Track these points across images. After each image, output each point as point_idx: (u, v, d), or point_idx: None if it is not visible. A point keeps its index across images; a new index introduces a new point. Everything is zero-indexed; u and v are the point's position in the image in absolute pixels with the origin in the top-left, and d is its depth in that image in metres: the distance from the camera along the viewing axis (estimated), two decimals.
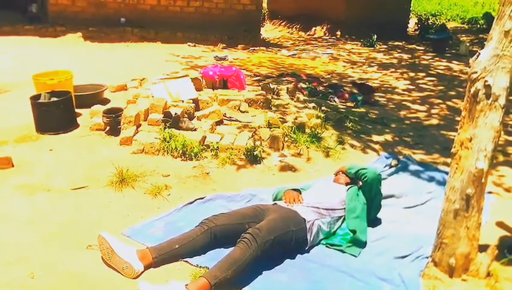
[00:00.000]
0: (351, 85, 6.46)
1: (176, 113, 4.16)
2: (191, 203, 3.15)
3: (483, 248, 2.54)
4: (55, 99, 4.20)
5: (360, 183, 3.08)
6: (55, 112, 4.12)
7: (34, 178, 3.35)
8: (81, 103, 4.60)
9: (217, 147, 3.87)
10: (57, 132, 4.09)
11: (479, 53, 2.35)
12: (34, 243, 2.62)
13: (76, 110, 4.46)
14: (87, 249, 2.58)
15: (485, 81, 2.29)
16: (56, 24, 8.70)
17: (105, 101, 4.91)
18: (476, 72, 2.33)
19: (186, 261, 2.52)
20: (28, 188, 3.21)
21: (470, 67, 2.38)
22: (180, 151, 3.77)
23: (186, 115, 4.31)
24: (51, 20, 8.81)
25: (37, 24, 8.74)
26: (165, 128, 4.00)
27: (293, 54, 9.17)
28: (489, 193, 3.58)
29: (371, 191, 2.99)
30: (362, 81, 6.83)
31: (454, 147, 2.45)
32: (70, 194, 3.18)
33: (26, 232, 2.71)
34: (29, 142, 3.96)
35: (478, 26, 13.93)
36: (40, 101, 4.19)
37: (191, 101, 4.60)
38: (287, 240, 2.57)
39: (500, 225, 3.19)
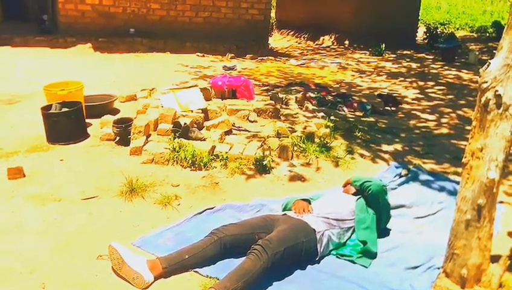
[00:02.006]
0: (377, 98, 6.41)
1: (185, 123, 4.18)
2: (200, 213, 3.15)
3: (495, 259, 2.51)
4: (65, 109, 4.24)
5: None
6: (66, 123, 4.16)
7: (45, 188, 3.38)
8: (91, 113, 4.64)
9: (226, 156, 3.88)
10: (67, 142, 4.13)
11: (489, 62, 2.34)
12: (45, 253, 2.64)
13: (87, 121, 4.50)
14: (97, 259, 2.59)
15: (496, 90, 2.28)
16: (66, 35, 8.81)
17: (115, 111, 4.95)
18: (486, 82, 2.32)
19: (196, 272, 2.52)
20: (39, 198, 3.23)
21: (479, 76, 2.37)
22: (190, 161, 3.79)
23: (195, 125, 4.33)
24: (62, 31, 8.91)
25: (47, 35, 8.85)
26: (174, 138, 4.02)
27: (302, 64, 9.19)
28: (501, 202, 3.54)
29: (377, 203, 2.97)
30: (388, 93, 6.79)
31: (465, 157, 2.43)
32: (80, 204, 3.20)
33: (37, 242, 2.73)
34: (40, 152, 4.00)
35: (487, 34, 13.87)
36: (51, 111, 4.23)
37: (200, 111, 4.62)
38: (297, 251, 2.57)
39: None
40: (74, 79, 5.00)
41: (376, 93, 6.70)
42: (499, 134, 2.31)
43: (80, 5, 8.98)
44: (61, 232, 2.85)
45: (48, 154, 3.97)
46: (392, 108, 6.06)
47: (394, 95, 6.73)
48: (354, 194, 3.12)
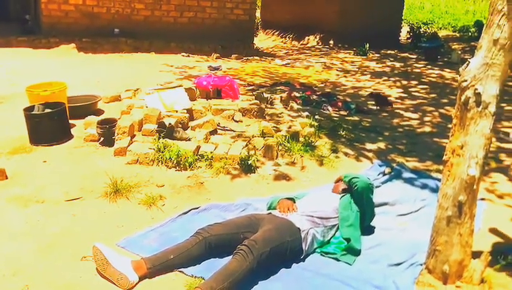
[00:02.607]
0: (369, 97, 6.43)
1: (170, 124, 4.17)
2: (185, 213, 3.15)
3: (476, 255, 2.56)
4: (48, 110, 4.20)
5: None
6: (49, 124, 4.12)
7: (27, 190, 3.34)
8: (74, 114, 4.61)
9: (211, 156, 3.89)
10: (50, 143, 4.09)
11: (469, 61, 2.38)
12: (28, 255, 2.61)
13: (70, 122, 4.46)
14: (81, 261, 2.57)
15: (475, 89, 2.32)
16: (49, 35, 8.72)
17: (99, 112, 4.91)
18: (466, 81, 2.36)
19: (181, 272, 2.51)
20: (21, 199, 3.20)
21: (459, 75, 2.41)
22: (175, 161, 3.78)
23: (180, 125, 4.32)
24: (45, 32, 8.82)
25: (30, 35, 8.75)
26: (159, 138, 4.00)
27: (287, 63, 9.22)
28: (482, 199, 3.60)
29: (362, 200, 3.00)
30: (379, 93, 6.82)
31: (446, 155, 2.47)
32: (64, 206, 3.17)
33: (20, 244, 2.70)
34: (23, 153, 3.96)
35: (469, 34, 14.07)
36: (33, 112, 4.19)
37: (185, 111, 4.62)
38: (282, 251, 2.58)
39: (493, 231, 3.21)
40: (57, 80, 4.95)
41: (367, 93, 6.74)
42: (479, 132, 2.36)
43: (63, 5, 8.90)
44: (45, 233, 2.83)
45: (30, 156, 3.93)
46: (385, 108, 6.10)
47: (380, 94, 6.78)
48: (344, 190, 3.14)
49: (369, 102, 6.31)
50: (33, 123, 4.13)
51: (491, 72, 2.31)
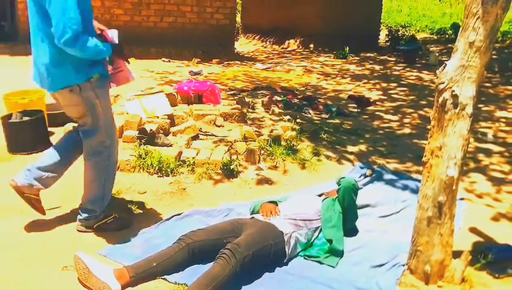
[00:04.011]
0: (348, 99, 6.45)
1: (151, 130, 4.15)
2: (168, 219, 3.13)
3: (457, 254, 2.59)
4: (27, 118, 4.14)
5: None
6: (28, 132, 4.06)
7: (6, 200, 3.27)
8: (54, 122, 4.54)
9: (193, 162, 3.87)
10: (29, 152, 4.03)
11: (446, 64, 2.42)
12: (8, 265, 2.57)
13: (50, 129, 4.40)
14: (62, 271, 2.54)
15: (452, 91, 2.36)
16: (27, 42, 8.55)
17: None
18: (443, 83, 2.40)
19: (164, 279, 2.50)
20: (1, 210, 3.14)
21: (437, 77, 2.45)
22: (156, 168, 3.75)
23: (161, 131, 4.30)
24: (22, 38, 8.68)
25: (7, 42, 8.61)
26: (140, 144, 3.98)
27: (268, 67, 9.25)
28: (462, 199, 3.66)
29: (343, 199, 3.02)
30: (359, 95, 6.87)
31: (425, 156, 2.51)
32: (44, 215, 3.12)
33: (0, 256, 2.65)
34: (1, 163, 3.89)
35: (447, 36, 14.30)
36: (11, 121, 4.12)
37: (166, 116, 4.60)
38: (265, 254, 2.58)
39: (473, 230, 3.26)
40: (36, 87, 4.87)
41: (347, 95, 6.79)
42: (457, 133, 2.40)
43: None
44: (25, 244, 2.78)
45: (9, 165, 3.86)
46: (365, 108, 6.15)
47: (360, 96, 6.83)
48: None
49: (350, 105, 6.37)
50: (11, 132, 4.07)
51: (467, 74, 2.35)
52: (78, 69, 2.68)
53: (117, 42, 2.94)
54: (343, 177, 3.14)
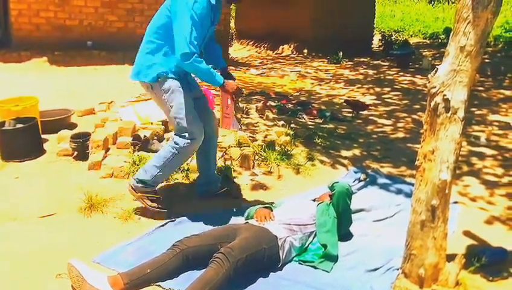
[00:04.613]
0: (345, 104, 6.48)
1: (145, 136, 4.14)
2: (162, 226, 3.13)
3: (451, 258, 2.60)
4: (20, 125, 4.13)
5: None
6: (21, 139, 4.05)
7: (0, 207, 3.27)
8: (47, 129, 4.53)
9: (188, 168, 3.87)
10: (22, 159, 4.02)
11: (437, 68, 2.44)
12: (2, 273, 2.55)
13: (43, 136, 4.39)
14: (56, 278, 2.52)
15: (444, 95, 2.37)
16: (20, 49, 8.57)
17: (73, 126, 4.84)
18: (435, 87, 2.41)
19: (158, 285, 2.49)
20: None
21: (428, 82, 2.46)
22: None
23: (155, 137, 4.29)
24: (15, 45, 8.67)
25: (0, 49, 8.59)
26: (134, 151, 3.97)
27: (262, 73, 9.27)
28: (456, 203, 3.67)
29: (338, 204, 3.03)
30: (355, 99, 6.89)
31: (418, 160, 2.52)
32: (38, 222, 3.12)
33: None
34: None
35: (439, 40, 14.38)
36: (4, 128, 4.11)
37: (160, 123, 4.60)
38: (259, 258, 2.58)
39: (467, 234, 3.27)
40: (29, 94, 4.87)
41: (341, 101, 6.82)
42: (449, 137, 2.41)
43: (34, 18, 8.78)
44: (18, 251, 2.77)
45: (2, 172, 3.84)
46: (360, 112, 6.18)
47: (355, 100, 6.85)
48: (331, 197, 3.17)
49: (344, 109, 6.39)
50: (4, 139, 4.06)
51: (458, 78, 2.36)
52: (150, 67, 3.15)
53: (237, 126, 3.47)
54: (337, 182, 3.14)
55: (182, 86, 3.16)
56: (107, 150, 4.09)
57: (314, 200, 3.27)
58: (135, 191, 3.24)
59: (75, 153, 4.08)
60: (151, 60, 3.13)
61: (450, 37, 2.43)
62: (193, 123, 3.15)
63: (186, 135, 3.14)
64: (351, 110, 6.22)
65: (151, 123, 4.56)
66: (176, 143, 3.17)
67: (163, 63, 3.11)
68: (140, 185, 3.22)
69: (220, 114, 3.43)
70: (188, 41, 2.89)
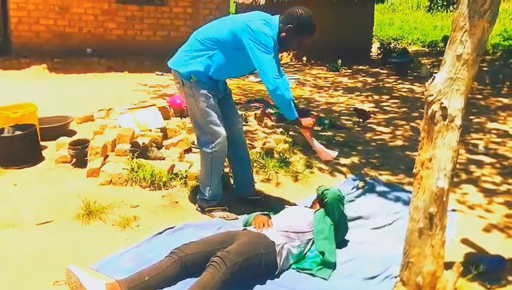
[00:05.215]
0: (354, 111, 6.53)
1: (143, 143, 4.15)
2: (160, 233, 3.12)
3: (449, 265, 2.60)
4: (19, 133, 4.13)
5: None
6: (19, 146, 4.05)
7: None
8: (46, 136, 4.54)
9: (186, 175, 3.87)
10: (21, 166, 4.02)
11: (434, 76, 2.45)
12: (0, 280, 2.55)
13: (42, 143, 4.40)
14: (53, 285, 2.52)
15: (441, 103, 2.39)
16: (20, 56, 8.62)
17: (72, 133, 4.85)
18: (432, 95, 2.43)
19: None
20: None
21: (426, 90, 2.48)
22: (149, 181, 3.75)
23: (154, 144, 4.30)
24: (15, 52, 8.71)
25: (0, 57, 8.63)
26: (132, 158, 3.97)
27: (261, 80, 9.28)
28: (454, 210, 3.68)
29: (333, 211, 3.03)
30: (361, 108, 6.91)
31: (415, 168, 2.52)
32: (36, 229, 3.11)
33: None
34: None
35: (438, 49, 14.47)
36: (3, 135, 4.12)
37: (159, 130, 4.60)
38: (256, 264, 2.57)
39: (465, 241, 3.27)
40: (29, 101, 4.88)
41: (340, 108, 6.82)
42: (446, 144, 2.42)
43: (34, 26, 8.83)
44: (16, 258, 2.76)
45: (0, 179, 3.84)
46: (366, 120, 6.20)
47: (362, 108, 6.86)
48: (320, 205, 3.17)
49: (342, 117, 6.40)
50: (3, 146, 4.06)
51: (455, 86, 2.38)
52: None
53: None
54: (327, 189, 3.13)
55: (211, 88, 3.30)
56: (106, 157, 4.10)
57: (308, 207, 3.27)
58: (203, 210, 3.48)
59: (74, 160, 4.08)
60: (193, 56, 3.27)
61: (447, 46, 2.44)
62: (214, 125, 3.29)
63: (209, 137, 3.30)
64: (357, 119, 6.21)
65: (150, 130, 4.57)
66: (205, 153, 3.36)
67: (203, 64, 3.24)
68: (203, 203, 3.47)
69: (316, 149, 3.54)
70: (273, 75, 3.13)
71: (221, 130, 3.31)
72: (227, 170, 4.02)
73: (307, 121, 3.42)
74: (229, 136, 3.40)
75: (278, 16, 3.28)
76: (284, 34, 3.24)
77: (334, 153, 3.51)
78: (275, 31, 3.21)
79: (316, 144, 3.47)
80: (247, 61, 3.16)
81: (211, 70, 3.25)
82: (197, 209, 3.50)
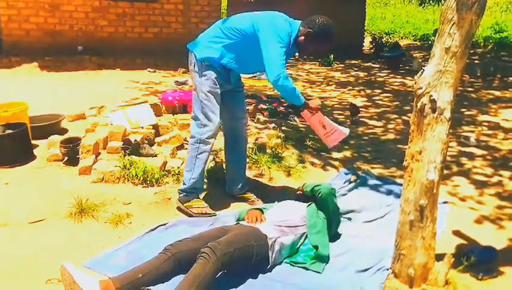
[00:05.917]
0: (349, 107, 6.52)
1: (135, 140, 4.14)
2: (153, 230, 3.12)
3: (440, 257, 2.62)
4: (9, 131, 4.11)
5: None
6: (10, 145, 4.03)
7: None
8: (37, 134, 4.51)
9: (179, 171, 3.87)
10: (12, 165, 4.00)
11: (423, 69, 2.46)
12: None
13: (33, 142, 4.37)
14: (46, 284, 2.52)
15: (430, 96, 2.40)
16: (10, 55, 8.55)
17: (63, 131, 4.83)
18: (421, 88, 2.44)
19: None
20: None
21: (415, 83, 2.49)
22: (141, 178, 3.74)
23: (146, 141, 4.29)
24: (5, 51, 8.64)
25: None
26: (124, 155, 3.96)
27: (253, 76, 9.27)
28: (445, 202, 3.70)
29: (327, 206, 3.04)
30: (353, 102, 6.93)
31: (406, 160, 2.54)
32: (28, 228, 3.10)
33: None
34: None
35: (429, 42, 14.47)
36: None
37: (151, 127, 4.59)
38: (247, 256, 2.58)
39: (456, 233, 3.30)
40: (20, 100, 4.85)
41: (333, 103, 6.82)
42: (436, 137, 2.43)
43: (24, 24, 8.76)
44: (8, 257, 2.75)
45: None
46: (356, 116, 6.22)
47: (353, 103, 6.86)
48: (308, 199, 3.18)
49: (335, 112, 6.41)
50: None
51: (444, 79, 2.39)
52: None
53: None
54: (317, 185, 3.13)
55: (221, 78, 3.34)
56: (98, 154, 4.09)
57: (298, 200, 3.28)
58: (181, 203, 3.43)
59: (66, 158, 4.06)
60: (211, 43, 3.31)
61: (435, 39, 2.45)
62: (209, 111, 3.32)
63: (200, 121, 3.34)
64: (350, 115, 6.21)
65: (142, 127, 4.56)
66: (193, 138, 3.38)
67: (218, 51, 3.28)
68: (182, 195, 3.43)
69: (322, 138, 3.49)
70: (279, 64, 3.12)
71: (215, 118, 3.34)
72: (220, 165, 4.03)
73: (315, 102, 3.44)
74: (231, 128, 3.47)
75: (301, 21, 3.37)
76: (302, 37, 3.30)
77: (347, 130, 3.48)
78: (294, 32, 3.27)
79: (328, 122, 3.44)
80: (260, 58, 3.19)
81: (224, 59, 3.29)
82: (178, 204, 3.46)
